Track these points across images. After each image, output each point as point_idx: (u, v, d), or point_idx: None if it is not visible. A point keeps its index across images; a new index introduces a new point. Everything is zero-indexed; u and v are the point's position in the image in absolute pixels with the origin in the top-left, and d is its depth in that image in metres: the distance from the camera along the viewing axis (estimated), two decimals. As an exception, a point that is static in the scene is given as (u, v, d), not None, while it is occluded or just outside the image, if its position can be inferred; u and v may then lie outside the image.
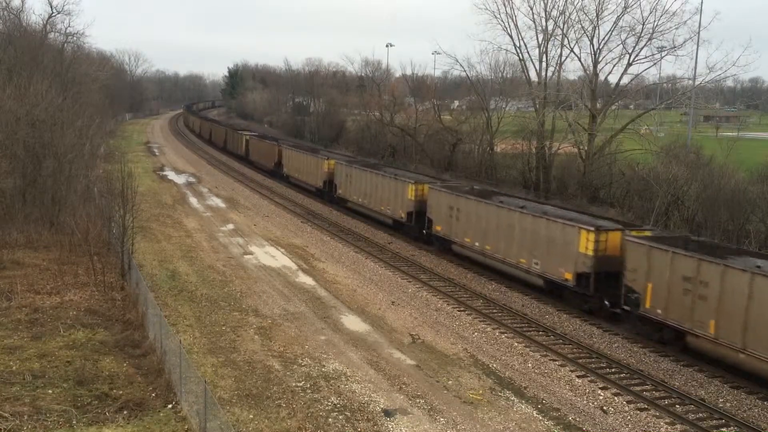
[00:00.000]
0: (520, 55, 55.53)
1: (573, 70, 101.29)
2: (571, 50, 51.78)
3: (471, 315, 25.51)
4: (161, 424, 15.59)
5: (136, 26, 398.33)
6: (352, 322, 23.97)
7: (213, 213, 44.44)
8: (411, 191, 37.06)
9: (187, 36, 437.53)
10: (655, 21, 46.13)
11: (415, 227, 36.97)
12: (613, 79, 52.76)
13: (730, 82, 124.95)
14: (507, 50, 72.01)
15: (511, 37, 55.18)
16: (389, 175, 40.43)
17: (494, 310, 26.20)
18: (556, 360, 21.37)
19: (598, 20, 48.92)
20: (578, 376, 20.14)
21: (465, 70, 64.59)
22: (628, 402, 18.61)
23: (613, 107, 52.74)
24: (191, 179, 60.69)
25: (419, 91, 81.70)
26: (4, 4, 57.38)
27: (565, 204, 40.35)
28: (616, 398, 18.80)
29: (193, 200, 49.37)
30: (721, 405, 18.67)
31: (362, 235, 39.20)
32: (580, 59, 52.50)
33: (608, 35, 48.74)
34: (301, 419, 16.30)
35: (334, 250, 35.43)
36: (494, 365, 20.72)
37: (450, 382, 19.19)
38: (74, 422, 15.46)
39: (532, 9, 57.07)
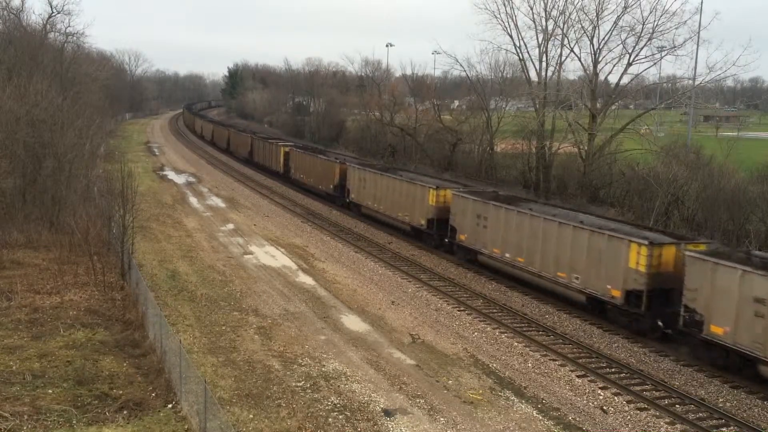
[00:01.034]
0: (520, 55, 55.62)
1: (573, 70, 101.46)
2: (571, 50, 51.88)
3: (471, 315, 25.50)
4: (161, 423, 15.59)
5: (136, 26, 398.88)
6: (352, 322, 23.97)
7: (213, 213, 44.43)
8: (639, 254, 22.88)
9: (187, 36, 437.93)
10: (655, 21, 46.24)
11: (647, 318, 23.11)
12: (613, 79, 52.87)
13: (730, 82, 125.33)
14: (507, 50, 72.20)
15: (511, 37, 55.28)
16: (585, 226, 25.52)
17: (494, 310, 26.19)
18: (556, 360, 21.36)
19: (598, 20, 49.01)
20: (578, 376, 20.14)
21: (465, 70, 64.77)
22: (628, 402, 18.60)
23: (613, 107, 52.79)
24: (191, 179, 60.68)
25: (419, 91, 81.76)
26: (4, 4, 57.51)
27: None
28: (616, 398, 18.80)
29: (193, 200, 49.37)
30: (721, 405, 18.66)
31: (362, 235, 39.18)
32: (580, 59, 52.62)
33: (608, 35, 48.85)
34: (301, 419, 16.30)
35: (334, 249, 35.42)
36: (494, 365, 20.71)
37: (450, 381, 19.19)
38: (74, 422, 15.46)
39: (532, 9, 57.23)
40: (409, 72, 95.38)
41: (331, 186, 48.05)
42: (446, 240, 34.10)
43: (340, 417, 16.58)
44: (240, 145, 76.53)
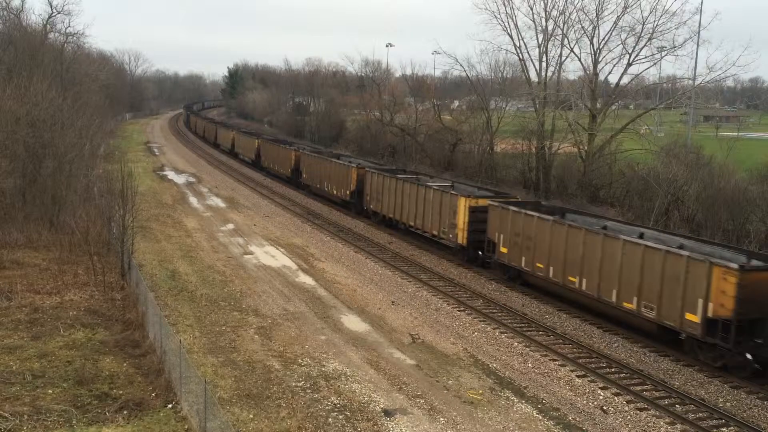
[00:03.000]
0: (520, 55, 55.66)
1: (573, 70, 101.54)
2: (571, 50, 51.93)
3: (471, 315, 25.50)
4: (161, 423, 15.60)
5: (136, 26, 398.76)
6: (352, 322, 23.97)
7: (213, 213, 44.43)
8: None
9: (187, 36, 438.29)
10: (655, 21, 46.28)
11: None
12: (613, 79, 52.93)
13: (730, 82, 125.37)
14: (507, 50, 72.34)
15: (510, 37, 55.33)
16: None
17: (494, 310, 26.20)
18: (556, 360, 21.36)
19: (598, 20, 49.07)
20: (578, 376, 20.14)
21: (465, 70, 64.75)
22: (628, 402, 18.60)
23: (613, 107, 52.79)
24: (191, 179, 60.68)
25: (419, 91, 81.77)
26: (4, 4, 57.58)
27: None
28: (616, 398, 18.80)
29: (193, 200, 49.36)
30: (721, 405, 18.66)
31: (362, 235, 39.19)
32: (580, 59, 52.69)
33: (608, 35, 48.92)
34: (301, 419, 16.30)
35: (334, 249, 35.42)
36: (494, 365, 20.71)
37: (450, 381, 19.19)
38: (74, 422, 15.46)
39: (532, 9, 57.28)
40: (409, 72, 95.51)
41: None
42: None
43: (340, 417, 16.58)
44: (329, 178, 48.72)
